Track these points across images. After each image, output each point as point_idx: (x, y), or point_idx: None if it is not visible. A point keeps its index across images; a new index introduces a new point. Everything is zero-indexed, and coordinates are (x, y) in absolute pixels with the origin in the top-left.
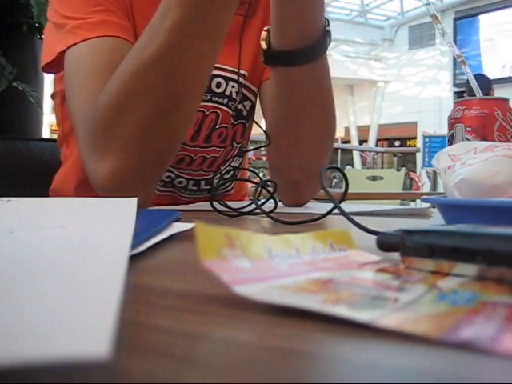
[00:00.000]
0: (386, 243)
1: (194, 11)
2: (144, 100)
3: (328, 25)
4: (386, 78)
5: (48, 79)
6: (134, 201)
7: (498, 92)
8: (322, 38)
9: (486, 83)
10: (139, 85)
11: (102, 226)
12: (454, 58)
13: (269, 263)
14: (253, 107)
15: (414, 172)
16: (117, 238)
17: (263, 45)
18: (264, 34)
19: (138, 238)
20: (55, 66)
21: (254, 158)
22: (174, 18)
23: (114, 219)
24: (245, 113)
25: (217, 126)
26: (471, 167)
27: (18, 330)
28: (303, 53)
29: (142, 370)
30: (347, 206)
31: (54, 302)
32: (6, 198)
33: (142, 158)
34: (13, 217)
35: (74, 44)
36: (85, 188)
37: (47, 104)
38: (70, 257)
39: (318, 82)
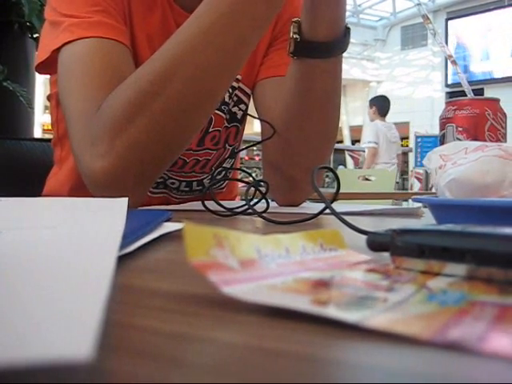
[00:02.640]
0: (376, 243)
1: (221, 23)
2: (163, 104)
3: (347, 24)
4: (378, 78)
5: (39, 79)
6: (124, 201)
7: (488, 93)
8: (346, 33)
9: (386, 104)
10: (163, 87)
11: (91, 226)
12: (446, 59)
13: (258, 263)
14: (246, 110)
15: (407, 172)
16: (106, 239)
17: (295, 35)
18: (294, 25)
19: (128, 237)
20: (50, 66)
21: (246, 157)
22: (202, 25)
23: (104, 219)
24: (239, 116)
25: (209, 130)
26: (462, 167)
27: (0, 331)
28: (334, 45)
29: (129, 372)
30: (339, 206)
31: (37, 303)
32: None
33: (145, 161)
34: (2, 217)
35: (70, 42)
36: (79, 192)
37: (39, 104)
38: (57, 257)
39: (336, 79)
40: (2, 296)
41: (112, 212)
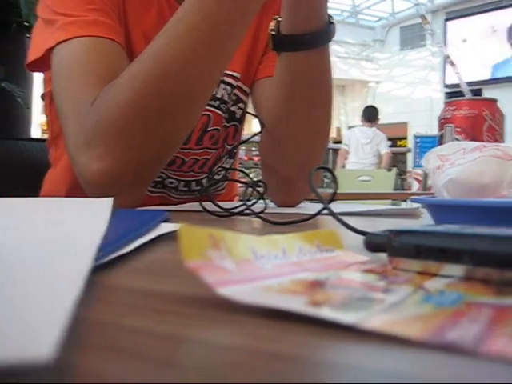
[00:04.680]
0: (373, 243)
1: (208, 19)
2: (159, 103)
3: (332, 18)
4: (377, 79)
5: (38, 79)
6: (109, 201)
7: (486, 93)
8: (327, 28)
9: (369, 111)
10: (158, 86)
11: (73, 226)
12: (445, 59)
13: (254, 264)
14: (245, 109)
15: (405, 172)
16: (85, 239)
17: (272, 31)
18: (273, 22)
19: (124, 238)
20: (42, 64)
21: (245, 158)
22: (189, 23)
23: (86, 219)
24: (238, 115)
25: (208, 129)
26: (460, 167)
27: None
28: (309, 38)
29: (119, 373)
30: (337, 207)
31: (4, 303)
32: None
33: (142, 161)
34: None
35: (65, 40)
36: (76, 192)
37: (37, 104)
38: (33, 257)
39: (321, 72)
40: None
41: (96, 212)
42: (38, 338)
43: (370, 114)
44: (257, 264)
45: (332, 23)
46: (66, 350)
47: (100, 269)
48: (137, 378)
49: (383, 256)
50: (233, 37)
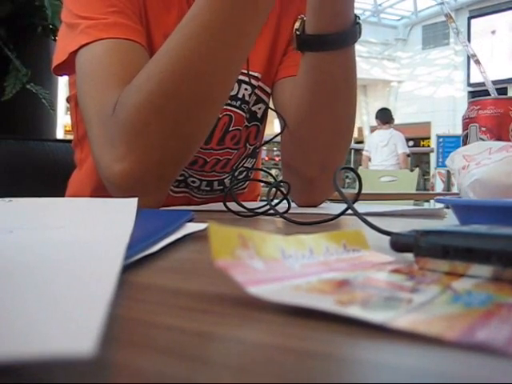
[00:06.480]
0: (399, 244)
1: (221, 17)
2: (176, 103)
3: (359, 18)
4: (399, 78)
5: (62, 81)
6: (134, 201)
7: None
8: (352, 28)
9: (384, 114)
10: (174, 87)
11: (100, 226)
12: (468, 57)
13: (282, 264)
14: (267, 109)
15: (428, 172)
16: (114, 238)
17: (297, 31)
18: (298, 21)
19: (151, 238)
20: (67, 67)
21: (267, 158)
22: (202, 21)
23: (113, 219)
24: (259, 115)
25: (230, 129)
26: (486, 167)
27: (4, 327)
28: (334, 38)
29: (154, 370)
30: (360, 207)
31: (41, 301)
32: (7, 199)
33: (163, 160)
34: (13, 217)
35: (87, 44)
36: (101, 193)
37: (62, 105)
38: (64, 257)
39: (346, 72)
40: (8, 294)
41: (121, 212)
42: (80, 333)
43: (385, 116)
44: (285, 263)
45: (358, 23)
46: (102, 346)
47: (128, 268)
48: (173, 374)
49: (409, 256)
50: (247, 34)
